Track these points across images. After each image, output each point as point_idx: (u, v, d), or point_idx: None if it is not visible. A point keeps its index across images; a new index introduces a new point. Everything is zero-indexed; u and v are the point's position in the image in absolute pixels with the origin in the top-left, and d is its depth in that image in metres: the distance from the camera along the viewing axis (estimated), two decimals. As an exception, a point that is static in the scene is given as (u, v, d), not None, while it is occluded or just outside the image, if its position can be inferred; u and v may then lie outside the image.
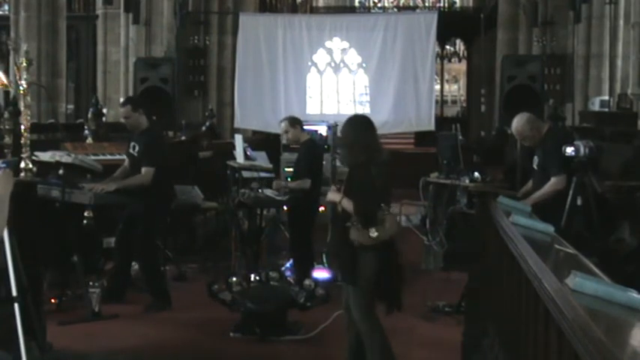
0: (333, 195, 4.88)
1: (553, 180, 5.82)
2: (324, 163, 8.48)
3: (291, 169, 8.37)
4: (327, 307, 6.57)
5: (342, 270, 5.14)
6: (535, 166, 6.09)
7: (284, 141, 8.43)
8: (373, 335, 4.82)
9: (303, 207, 7.42)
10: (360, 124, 5.08)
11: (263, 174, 8.09)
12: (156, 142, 7.01)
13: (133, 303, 6.85)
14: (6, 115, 7.54)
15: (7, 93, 9.66)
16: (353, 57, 15.36)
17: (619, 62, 14.85)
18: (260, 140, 13.29)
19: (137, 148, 6.81)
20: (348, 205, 4.70)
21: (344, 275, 4.99)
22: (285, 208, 7.92)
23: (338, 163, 9.53)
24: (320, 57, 15.35)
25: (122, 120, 7.09)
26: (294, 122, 7.62)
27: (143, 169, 6.68)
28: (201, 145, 11.58)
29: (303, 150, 7.55)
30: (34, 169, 6.18)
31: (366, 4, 27.02)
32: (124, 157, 7.19)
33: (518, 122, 6.09)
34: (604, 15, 14.72)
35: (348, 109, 15.26)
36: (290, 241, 7.72)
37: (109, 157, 8.21)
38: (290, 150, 8.20)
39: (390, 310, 4.90)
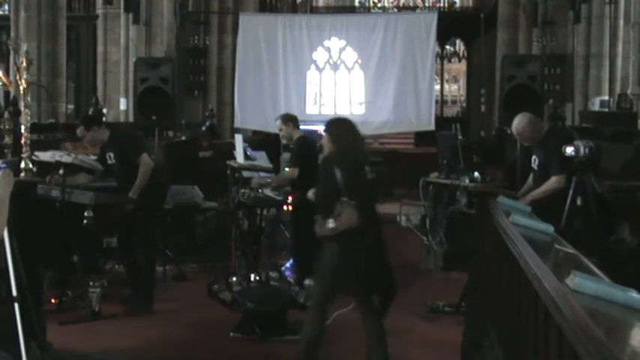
0: (311, 193, 5.13)
1: (553, 179, 5.82)
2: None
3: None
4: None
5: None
6: (535, 167, 6.09)
7: (283, 140, 8.47)
8: (307, 326, 4.97)
9: (305, 207, 7.43)
10: (341, 125, 5.23)
11: (263, 174, 8.10)
12: (128, 137, 7.25)
13: (133, 303, 6.85)
14: (6, 115, 7.54)
15: (7, 93, 9.65)
16: (352, 56, 15.36)
17: (619, 62, 14.86)
18: (260, 140, 13.29)
19: (113, 156, 6.84)
20: (313, 198, 4.96)
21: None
22: (285, 208, 7.94)
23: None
24: (319, 55, 15.35)
25: (83, 141, 7.17)
26: (287, 119, 7.79)
27: (139, 160, 6.69)
28: (201, 145, 11.59)
29: (295, 146, 7.70)
30: (34, 169, 6.19)
31: (366, 4, 27.02)
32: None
33: (518, 123, 6.09)
34: (604, 15, 14.72)
35: (348, 109, 15.27)
36: (292, 241, 7.73)
37: (108, 157, 8.20)
38: (290, 150, 8.23)
39: (382, 309, 4.98)
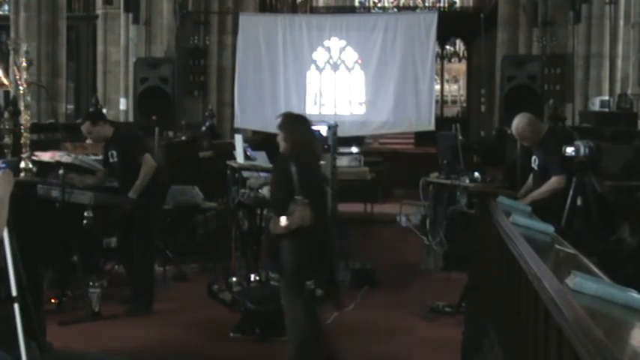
0: (265, 190, 5.26)
1: (553, 179, 5.82)
2: (323, 163, 8.48)
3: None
4: (327, 307, 6.57)
5: (268, 258, 5.49)
6: (535, 167, 6.09)
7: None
8: (293, 326, 5.00)
9: None
10: (295, 122, 5.32)
11: (263, 174, 8.09)
12: (132, 136, 7.23)
13: (133, 303, 6.84)
14: (6, 115, 7.53)
15: (7, 93, 9.65)
16: (352, 56, 15.35)
17: (619, 62, 14.85)
18: (260, 140, 13.27)
19: (116, 154, 6.82)
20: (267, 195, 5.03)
21: (270, 263, 5.28)
22: None
23: (338, 163, 9.55)
24: (319, 55, 15.35)
25: (87, 136, 7.14)
26: None
27: (141, 160, 6.68)
28: (201, 145, 11.59)
29: None
30: (34, 169, 6.18)
31: (366, 4, 27.02)
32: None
33: (518, 123, 6.09)
34: (604, 15, 14.72)
35: (348, 109, 15.27)
36: None
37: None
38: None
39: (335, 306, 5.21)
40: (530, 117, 6.15)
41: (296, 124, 5.25)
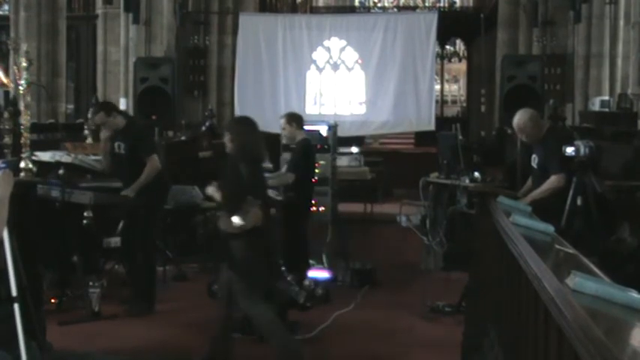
0: (211, 189, 5.37)
1: (552, 178, 5.81)
2: (323, 163, 8.50)
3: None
4: (327, 307, 6.58)
5: (219, 255, 5.72)
6: (534, 165, 6.08)
7: (284, 140, 8.45)
8: (262, 318, 5.15)
9: (296, 206, 7.46)
10: (241, 124, 5.54)
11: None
12: (144, 132, 7.18)
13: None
14: (6, 115, 7.54)
15: (7, 93, 9.66)
16: (352, 56, 15.36)
17: (619, 62, 14.85)
18: (260, 140, 13.27)
19: (123, 146, 6.78)
20: (217, 195, 5.24)
21: (221, 260, 5.43)
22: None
23: (338, 163, 9.55)
24: (319, 55, 15.35)
25: (99, 125, 7.09)
26: (291, 119, 7.71)
27: (147, 159, 6.66)
28: (201, 145, 11.58)
29: (297, 149, 7.65)
30: (34, 169, 6.19)
31: (366, 3, 27.02)
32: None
33: (520, 118, 6.07)
34: (604, 15, 14.72)
35: (348, 109, 15.28)
36: (283, 240, 7.73)
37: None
38: (290, 150, 8.22)
39: (268, 297, 5.26)
40: (532, 113, 6.14)
41: (242, 126, 5.43)
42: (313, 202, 7.99)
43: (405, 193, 11.30)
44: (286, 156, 8.40)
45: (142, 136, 6.97)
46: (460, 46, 25.43)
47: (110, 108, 7.02)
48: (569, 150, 5.59)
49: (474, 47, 22.69)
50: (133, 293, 6.80)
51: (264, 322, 5.17)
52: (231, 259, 5.13)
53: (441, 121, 18.87)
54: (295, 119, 7.75)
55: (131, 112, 13.93)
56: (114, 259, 7.53)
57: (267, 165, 8.61)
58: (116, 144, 6.83)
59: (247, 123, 5.44)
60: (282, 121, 7.76)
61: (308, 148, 7.74)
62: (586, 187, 5.62)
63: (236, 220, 4.97)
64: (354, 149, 14.03)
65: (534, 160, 6.07)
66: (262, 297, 5.14)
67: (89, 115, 10.58)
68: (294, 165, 7.56)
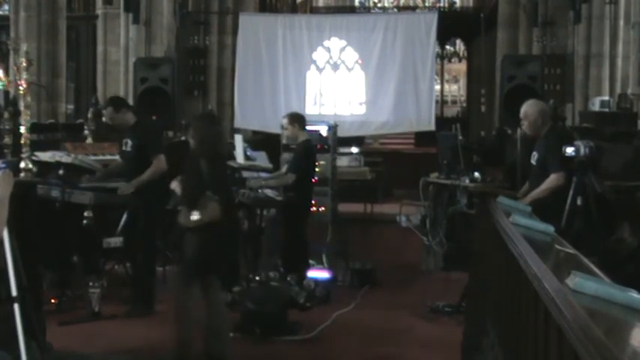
0: (174, 183, 5.61)
1: (552, 177, 5.80)
2: (323, 163, 8.50)
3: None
4: (327, 307, 6.58)
5: (174, 248, 6.07)
6: (533, 162, 6.06)
7: (284, 140, 8.45)
8: (181, 301, 5.40)
9: (296, 206, 7.46)
10: (202, 120, 5.74)
11: (262, 174, 8.10)
12: (153, 131, 7.16)
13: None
14: (6, 115, 7.54)
15: (7, 93, 9.65)
16: (352, 56, 15.36)
17: (619, 62, 14.85)
18: (260, 140, 13.28)
19: (130, 143, 6.75)
20: (178, 190, 5.46)
21: (175, 253, 5.67)
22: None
23: (338, 163, 9.55)
24: (319, 55, 15.35)
25: (108, 121, 7.06)
26: (293, 120, 7.69)
27: (154, 159, 6.63)
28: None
29: (299, 149, 7.65)
30: (34, 169, 6.18)
31: (366, 4, 27.02)
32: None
33: (530, 106, 6.04)
34: (604, 15, 14.72)
35: (348, 110, 15.27)
36: (283, 240, 7.74)
37: (108, 157, 8.21)
38: (290, 150, 8.22)
39: (225, 286, 5.56)
40: (543, 106, 6.15)
41: (202, 121, 5.62)
42: (313, 202, 8.00)
43: (405, 193, 11.31)
44: (286, 156, 8.42)
45: (151, 135, 6.90)
46: (460, 46, 25.44)
47: (119, 103, 6.97)
48: (569, 150, 5.59)
49: (474, 47, 22.69)
50: (133, 293, 6.80)
51: (183, 310, 5.38)
52: (185, 251, 5.34)
53: (441, 121, 18.89)
54: (298, 120, 7.74)
55: (131, 112, 13.92)
56: (114, 259, 7.52)
57: (267, 165, 8.62)
58: (124, 141, 6.81)
59: (208, 119, 5.66)
60: (285, 121, 7.75)
61: (310, 149, 7.74)
62: (586, 187, 5.62)
63: (194, 215, 5.14)
64: (354, 149, 14.04)
65: (534, 157, 6.06)
66: (200, 289, 5.33)
67: (89, 115, 10.60)
68: (295, 165, 7.56)
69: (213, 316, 5.40)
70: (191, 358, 5.32)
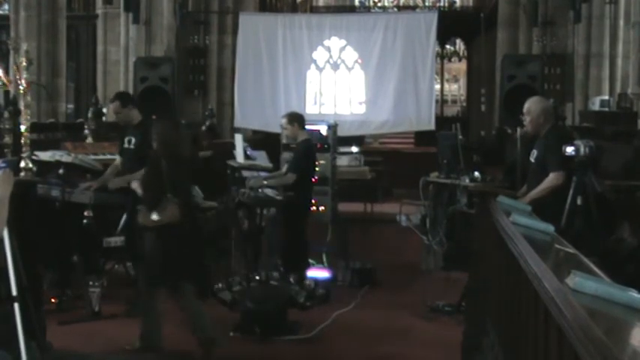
0: (134, 184, 5.80)
1: (551, 176, 5.79)
2: (322, 162, 8.50)
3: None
4: (327, 307, 6.58)
5: (131, 247, 6.27)
6: (532, 159, 6.06)
7: (284, 139, 8.45)
8: (147, 305, 5.63)
9: (296, 206, 7.46)
10: (164, 123, 5.98)
11: (263, 174, 8.10)
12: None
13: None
14: (6, 114, 7.54)
15: (7, 93, 9.65)
16: (352, 56, 15.36)
17: (619, 62, 14.85)
18: (260, 140, 13.29)
19: (133, 141, 6.73)
20: (139, 190, 5.65)
21: (132, 252, 5.91)
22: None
23: (338, 163, 9.55)
24: (319, 55, 15.35)
25: (114, 115, 7.05)
26: (293, 119, 7.69)
27: None
28: (201, 144, 11.58)
29: (298, 149, 7.65)
30: (34, 168, 6.18)
31: (366, 3, 27.01)
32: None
33: (533, 103, 6.03)
34: (604, 15, 14.72)
35: (348, 109, 15.27)
36: (283, 240, 7.75)
37: (109, 156, 8.21)
38: (290, 149, 8.23)
39: (177, 291, 5.62)
40: (546, 104, 6.14)
41: (164, 125, 5.81)
42: (313, 201, 7.99)
43: (405, 192, 11.30)
44: (286, 155, 8.42)
45: (152, 135, 6.89)
46: (460, 45, 25.43)
47: (127, 99, 6.97)
48: (569, 149, 5.59)
49: (474, 47, 22.69)
50: (134, 294, 6.79)
51: (147, 309, 5.63)
52: (143, 251, 5.53)
53: (441, 120, 18.88)
54: (297, 119, 7.73)
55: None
56: (114, 258, 7.52)
57: (267, 164, 8.62)
58: (127, 138, 6.79)
59: (170, 122, 5.87)
60: (284, 120, 7.75)
61: (309, 148, 7.74)
62: (586, 187, 5.61)
63: (154, 215, 5.30)
64: (354, 149, 14.03)
65: (533, 155, 6.05)
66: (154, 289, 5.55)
67: (89, 115, 10.61)
68: (295, 165, 7.56)
69: (189, 317, 5.63)
70: (156, 349, 5.60)
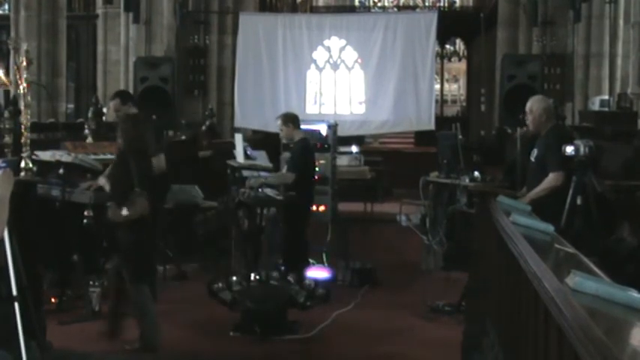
0: (102, 180, 6.01)
1: (551, 176, 5.79)
2: (322, 162, 8.51)
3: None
4: (327, 307, 6.58)
5: (107, 243, 6.47)
6: (532, 159, 6.06)
7: (283, 140, 8.46)
8: (137, 299, 5.65)
9: (296, 206, 7.47)
10: (127, 120, 6.05)
11: (263, 173, 8.10)
12: (154, 131, 7.10)
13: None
14: (6, 114, 7.54)
15: (7, 92, 9.65)
16: (352, 56, 15.35)
17: (619, 61, 14.85)
18: (260, 139, 13.28)
19: None
20: (107, 186, 5.85)
21: (110, 248, 6.05)
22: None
23: (338, 162, 9.55)
24: (319, 54, 15.35)
25: (113, 113, 7.08)
26: (287, 120, 7.74)
27: (154, 159, 6.62)
28: (201, 144, 11.59)
29: (295, 148, 7.68)
30: (34, 168, 6.18)
31: (366, 3, 27.02)
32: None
33: (535, 102, 6.05)
34: (604, 14, 14.71)
35: (348, 109, 15.27)
36: (283, 239, 7.75)
37: (109, 156, 8.18)
38: (290, 149, 8.23)
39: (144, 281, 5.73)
40: (548, 103, 6.15)
41: (128, 122, 5.93)
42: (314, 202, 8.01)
43: (405, 192, 11.31)
44: (286, 155, 8.42)
45: (154, 133, 6.90)
46: (460, 45, 25.44)
47: (127, 97, 7.02)
48: (569, 149, 5.59)
49: (474, 47, 22.69)
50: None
51: (142, 306, 5.63)
52: (119, 247, 5.65)
53: (441, 120, 18.88)
54: (291, 119, 7.78)
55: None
56: (114, 259, 7.51)
57: (267, 164, 8.62)
58: None
59: (133, 119, 5.99)
60: (278, 122, 7.81)
61: (306, 147, 7.76)
62: (586, 187, 5.61)
63: (124, 210, 5.43)
64: (354, 149, 14.03)
65: (533, 154, 6.06)
66: (145, 281, 5.68)
67: (89, 115, 10.59)
68: (293, 164, 7.59)
69: (140, 316, 5.70)
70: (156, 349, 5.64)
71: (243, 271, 7.12)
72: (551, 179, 5.79)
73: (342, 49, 15.33)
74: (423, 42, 14.67)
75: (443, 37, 21.33)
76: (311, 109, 14.92)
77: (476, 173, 8.11)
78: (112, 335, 5.85)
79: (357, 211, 11.27)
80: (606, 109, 13.71)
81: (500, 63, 14.00)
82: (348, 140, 13.49)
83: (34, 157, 6.68)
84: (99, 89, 17.67)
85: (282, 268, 7.23)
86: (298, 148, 7.68)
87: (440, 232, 8.49)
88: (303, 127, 7.97)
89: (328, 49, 15.34)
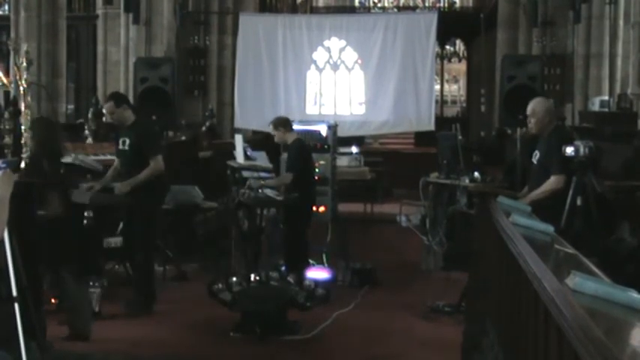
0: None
1: (552, 179, 5.80)
2: (323, 162, 8.52)
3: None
4: (327, 307, 6.58)
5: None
6: (534, 161, 6.06)
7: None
8: (72, 290, 5.87)
9: (297, 206, 7.48)
10: (39, 124, 6.26)
11: (263, 174, 8.11)
12: (151, 131, 7.13)
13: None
14: (6, 115, 7.54)
15: (7, 93, 9.64)
16: (352, 56, 15.36)
17: (619, 62, 14.85)
18: (260, 140, 13.28)
19: (128, 142, 6.74)
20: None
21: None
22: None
23: (338, 163, 9.56)
24: (319, 55, 15.35)
25: (108, 115, 7.10)
26: (277, 125, 7.84)
27: (152, 159, 6.62)
28: (201, 145, 11.59)
29: (291, 149, 7.74)
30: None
31: (366, 4, 27.02)
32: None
33: (538, 104, 6.04)
34: (604, 15, 14.72)
35: (348, 109, 15.27)
36: (284, 240, 7.76)
37: (109, 157, 8.20)
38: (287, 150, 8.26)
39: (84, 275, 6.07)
40: (550, 105, 6.15)
41: (40, 125, 6.14)
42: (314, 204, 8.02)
43: (405, 193, 11.32)
44: (286, 156, 8.43)
45: (149, 136, 6.88)
46: (460, 46, 25.44)
47: (121, 99, 6.97)
48: (569, 150, 5.58)
49: (474, 47, 22.69)
50: (134, 293, 6.80)
51: (75, 296, 5.86)
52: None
53: (441, 121, 18.88)
54: (281, 123, 7.86)
55: (131, 112, 13.92)
56: (114, 259, 7.52)
57: (267, 165, 8.63)
58: (121, 139, 6.79)
59: (44, 122, 6.24)
60: (270, 128, 7.91)
61: (301, 147, 7.82)
62: (586, 187, 5.61)
63: (40, 212, 5.58)
64: (354, 149, 14.04)
65: (535, 156, 6.05)
66: (75, 274, 5.92)
67: (89, 115, 10.60)
68: (290, 165, 7.67)
69: (72, 305, 5.86)
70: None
71: (243, 272, 7.12)
72: (553, 182, 5.78)
73: (342, 49, 15.33)
74: (423, 42, 14.67)
75: (443, 37, 21.33)
76: (311, 109, 14.92)
77: (476, 174, 8.11)
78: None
79: (357, 212, 11.27)
80: (606, 109, 13.71)
81: (500, 63, 13.98)
82: (348, 141, 13.50)
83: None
84: (99, 90, 17.67)
85: (282, 268, 7.24)
86: (293, 148, 7.75)
87: (440, 232, 8.49)
88: (303, 127, 8.02)
89: (328, 49, 15.34)
